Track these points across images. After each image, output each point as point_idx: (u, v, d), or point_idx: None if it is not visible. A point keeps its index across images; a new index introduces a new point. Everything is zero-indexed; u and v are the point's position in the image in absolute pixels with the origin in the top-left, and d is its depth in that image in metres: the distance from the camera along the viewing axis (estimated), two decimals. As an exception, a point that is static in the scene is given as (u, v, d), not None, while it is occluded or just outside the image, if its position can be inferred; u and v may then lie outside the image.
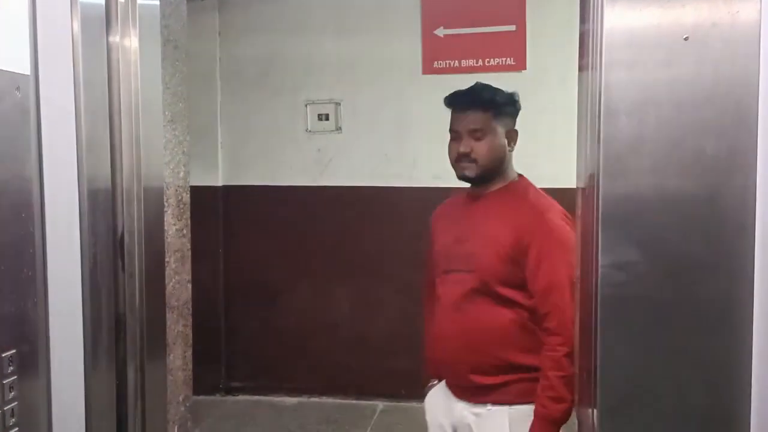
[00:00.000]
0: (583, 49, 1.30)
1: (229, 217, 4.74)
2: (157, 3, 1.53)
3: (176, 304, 3.52)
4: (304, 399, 4.65)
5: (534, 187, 2.08)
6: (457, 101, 2.08)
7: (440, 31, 4.43)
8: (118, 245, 1.41)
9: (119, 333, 1.41)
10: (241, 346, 4.76)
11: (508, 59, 4.35)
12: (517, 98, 2.09)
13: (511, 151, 2.06)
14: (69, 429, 1.25)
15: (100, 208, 1.35)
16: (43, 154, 1.18)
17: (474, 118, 2.01)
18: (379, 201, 4.55)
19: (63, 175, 1.24)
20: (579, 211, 1.32)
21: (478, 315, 1.98)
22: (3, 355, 1.10)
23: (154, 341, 1.52)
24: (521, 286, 1.93)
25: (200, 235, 4.09)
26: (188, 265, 3.69)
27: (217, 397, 4.69)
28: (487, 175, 2.04)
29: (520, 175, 2.10)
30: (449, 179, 3.81)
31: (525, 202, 2.01)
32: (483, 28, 4.37)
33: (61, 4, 1.23)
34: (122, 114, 1.42)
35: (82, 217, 1.27)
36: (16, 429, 1.11)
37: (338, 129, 4.59)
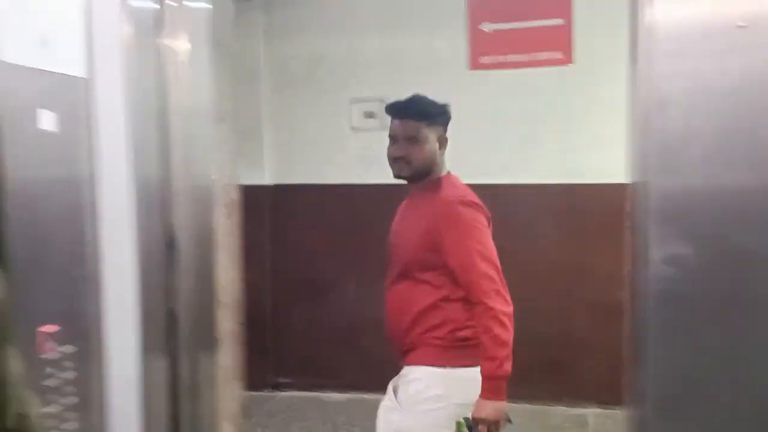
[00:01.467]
0: (632, 40, 1.28)
1: (276, 215, 4.77)
2: (208, 6, 1.56)
3: (226, 300, 3.57)
4: (351, 395, 4.65)
5: (454, 182, 2.30)
6: (396, 110, 2.34)
7: (486, 26, 4.38)
8: (169, 243, 1.44)
9: (172, 329, 1.44)
10: (289, 342, 4.79)
11: (556, 53, 4.28)
12: (448, 109, 2.36)
13: (442, 153, 2.31)
14: (125, 423, 1.28)
15: (152, 207, 1.37)
16: (96, 155, 1.21)
17: (410, 126, 2.27)
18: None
19: (115, 175, 1.26)
20: (629, 206, 1.29)
21: (401, 294, 2.29)
22: (60, 350, 1.13)
23: (206, 337, 1.55)
24: (434, 268, 2.18)
25: (248, 234, 4.12)
26: (238, 263, 3.73)
27: (266, 393, 4.73)
28: (419, 174, 2.28)
29: (448, 172, 2.34)
30: (498, 175, 3.75)
31: (438, 194, 2.24)
32: (529, 22, 4.32)
33: (114, 9, 1.26)
34: (172, 114, 1.44)
35: (135, 216, 1.30)
36: (76, 424, 1.14)
37: (384, 127, 4.58)
